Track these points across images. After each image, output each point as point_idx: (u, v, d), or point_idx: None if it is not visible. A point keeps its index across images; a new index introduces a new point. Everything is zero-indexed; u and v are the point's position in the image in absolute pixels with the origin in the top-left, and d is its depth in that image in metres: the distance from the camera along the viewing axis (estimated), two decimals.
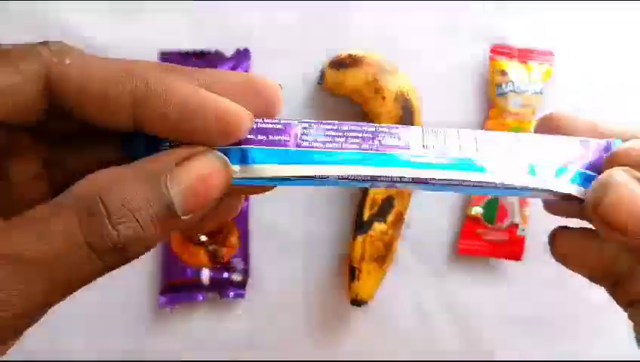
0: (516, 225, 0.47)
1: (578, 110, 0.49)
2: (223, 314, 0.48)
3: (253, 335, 0.48)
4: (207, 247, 0.47)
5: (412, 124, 0.44)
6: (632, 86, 0.49)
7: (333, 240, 0.48)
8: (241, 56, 0.47)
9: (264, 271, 0.48)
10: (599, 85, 0.49)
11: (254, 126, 0.20)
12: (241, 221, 0.47)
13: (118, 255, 0.17)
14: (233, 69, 0.46)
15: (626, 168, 0.19)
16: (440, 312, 0.49)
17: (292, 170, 0.20)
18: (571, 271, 0.23)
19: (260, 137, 0.20)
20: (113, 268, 0.17)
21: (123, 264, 0.17)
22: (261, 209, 0.48)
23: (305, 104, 0.47)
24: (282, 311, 0.48)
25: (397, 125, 0.22)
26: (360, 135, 0.21)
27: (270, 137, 0.20)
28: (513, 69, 0.47)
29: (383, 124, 0.22)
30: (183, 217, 0.17)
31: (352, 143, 0.21)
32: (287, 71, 0.47)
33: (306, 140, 0.21)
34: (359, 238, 0.45)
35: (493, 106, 0.47)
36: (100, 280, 0.51)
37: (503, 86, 0.47)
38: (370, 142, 0.21)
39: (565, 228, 0.22)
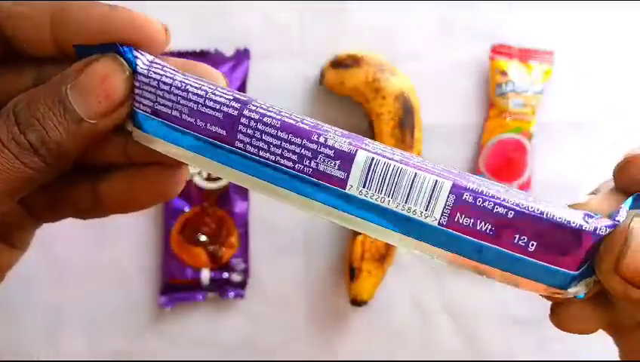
0: None
1: (578, 110, 0.49)
2: (223, 314, 0.48)
3: (253, 335, 0.48)
4: (207, 247, 0.47)
5: (412, 124, 0.44)
6: (633, 86, 0.49)
7: (333, 240, 0.48)
8: (241, 56, 0.47)
9: (264, 271, 0.48)
10: (599, 85, 0.49)
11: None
12: (241, 221, 0.47)
13: (34, 157, 0.19)
14: (233, 68, 0.46)
15: None
16: (440, 312, 0.49)
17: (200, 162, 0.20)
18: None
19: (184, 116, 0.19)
20: (40, 171, 0.19)
21: (47, 169, 0.19)
22: (261, 209, 0.48)
23: (305, 104, 0.47)
24: (282, 311, 0.48)
25: (350, 138, 0.18)
26: (299, 149, 0.18)
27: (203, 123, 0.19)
28: (513, 69, 0.47)
29: (331, 138, 0.18)
30: (89, 120, 0.19)
31: (286, 159, 0.19)
32: (287, 71, 0.47)
33: (241, 141, 0.19)
34: (359, 238, 0.45)
35: (493, 106, 0.47)
36: (99, 279, 0.50)
37: (503, 86, 0.47)
38: (307, 162, 0.18)
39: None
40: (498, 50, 0.47)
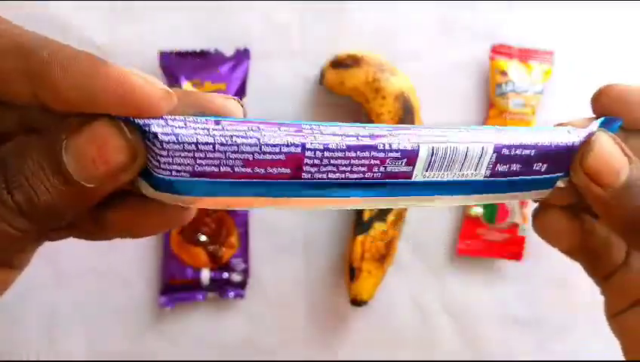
0: (516, 225, 0.47)
1: (578, 110, 0.49)
2: (223, 314, 0.48)
3: (253, 335, 0.48)
4: (207, 247, 0.47)
5: (412, 124, 0.44)
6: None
7: (333, 240, 0.48)
8: (241, 56, 0.47)
9: (264, 271, 0.48)
10: (599, 85, 0.49)
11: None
12: (241, 221, 0.47)
13: (20, 218, 0.17)
14: (233, 68, 0.46)
15: (611, 135, 0.22)
16: (440, 312, 0.49)
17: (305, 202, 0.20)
18: (570, 262, 0.25)
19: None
20: (28, 232, 0.17)
21: (35, 229, 0.17)
22: (261, 209, 0.48)
23: (305, 104, 0.47)
24: (282, 311, 0.48)
25: (406, 133, 0.20)
26: (368, 161, 0.20)
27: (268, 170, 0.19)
28: (513, 69, 0.47)
29: (394, 142, 0.20)
30: (86, 184, 0.17)
31: (355, 173, 0.20)
32: (287, 71, 0.47)
33: (308, 171, 0.19)
34: (359, 238, 0.45)
35: (493, 106, 0.47)
36: (99, 279, 0.51)
37: (503, 86, 0.47)
38: (376, 168, 0.20)
39: (547, 206, 0.24)
40: (498, 50, 0.47)
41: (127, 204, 0.21)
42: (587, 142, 0.22)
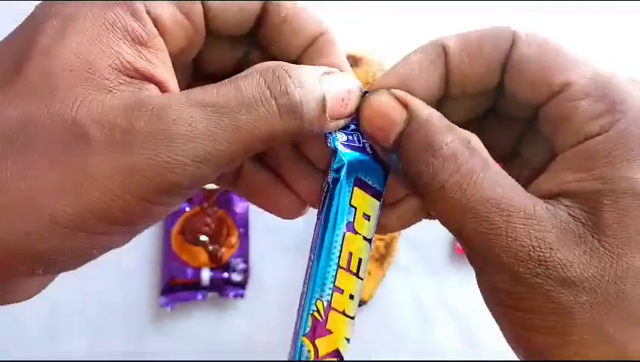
0: None
1: None
2: (223, 314, 0.48)
3: (253, 335, 0.48)
4: (207, 247, 0.47)
5: None
6: None
7: None
8: None
9: (264, 271, 0.48)
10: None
11: None
12: (241, 221, 0.47)
13: (294, 118, 0.19)
14: None
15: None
16: (440, 312, 0.49)
17: None
18: None
19: None
20: (287, 136, 0.19)
21: (294, 134, 0.19)
22: (261, 209, 0.48)
23: None
24: (282, 311, 0.48)
25: None
26: None
27: None
28: None
29: None
30: (327, 114, 0.20)
31: None
32: None
33: None
34: None
35: None
36: (100, 279, 0.50)
37: None
38: None
39: None
40: None
41: (266, 173, 0.24)
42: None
